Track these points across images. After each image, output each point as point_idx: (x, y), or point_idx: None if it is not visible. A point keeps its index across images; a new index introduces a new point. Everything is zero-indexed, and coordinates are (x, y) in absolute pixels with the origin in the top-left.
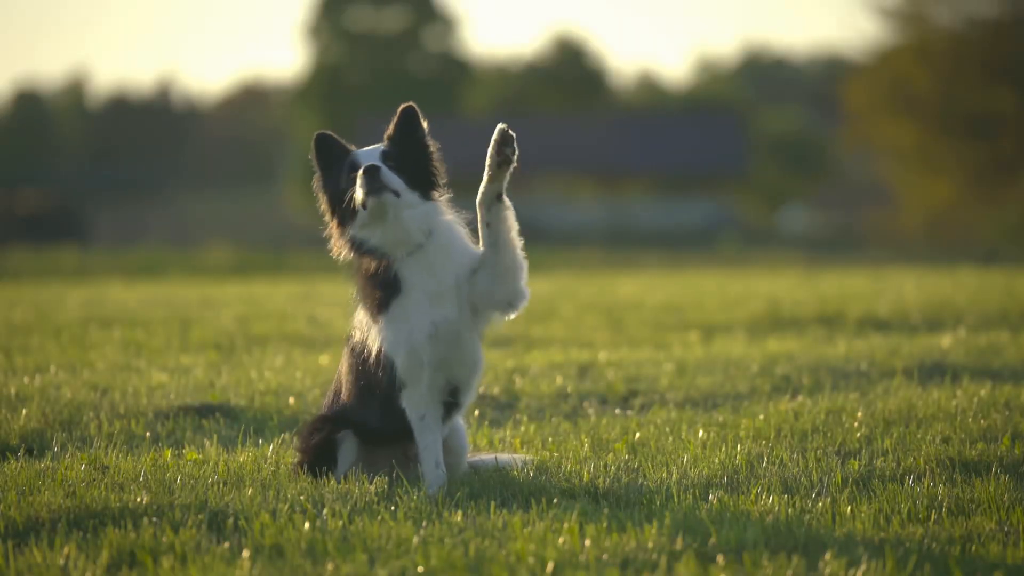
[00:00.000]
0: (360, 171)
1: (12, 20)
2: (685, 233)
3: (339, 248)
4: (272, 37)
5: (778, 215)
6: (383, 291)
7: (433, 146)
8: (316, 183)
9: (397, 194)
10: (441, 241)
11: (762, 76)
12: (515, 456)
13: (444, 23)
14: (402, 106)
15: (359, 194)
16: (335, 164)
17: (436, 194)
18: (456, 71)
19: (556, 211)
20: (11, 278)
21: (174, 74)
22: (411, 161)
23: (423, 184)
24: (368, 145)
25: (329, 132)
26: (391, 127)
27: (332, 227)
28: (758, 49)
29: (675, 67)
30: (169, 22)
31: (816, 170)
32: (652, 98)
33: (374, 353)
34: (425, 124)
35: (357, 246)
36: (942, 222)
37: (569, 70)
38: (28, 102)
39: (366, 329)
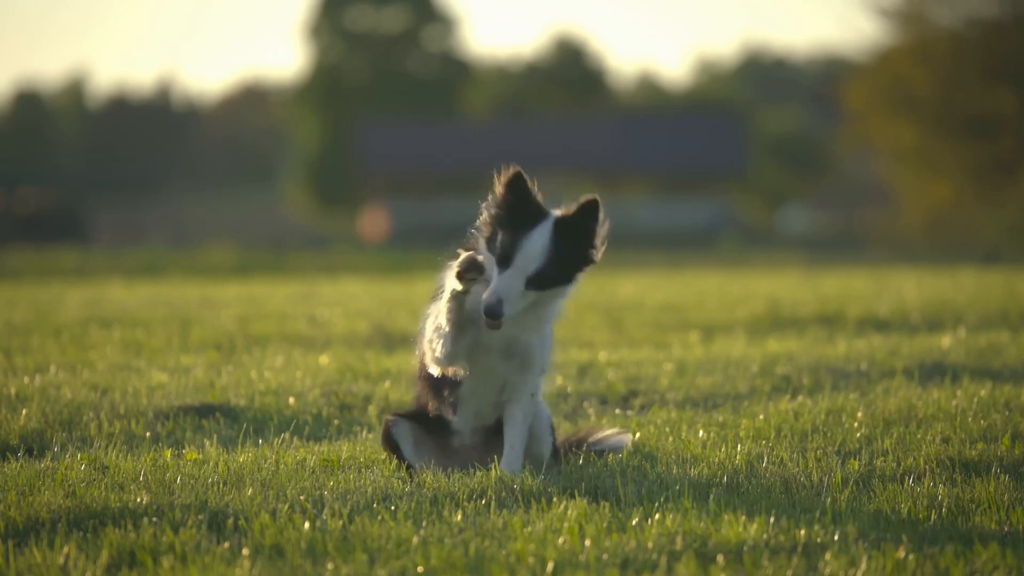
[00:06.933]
0: (483, 305)
1: (12, 20)
2: (685, 233)
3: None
4: (272, 37)
5: (778, 215)
6: None
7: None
8: (492, 214)
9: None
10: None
11: (762, 76)
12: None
13: (444, 23)
14: (589, 199)
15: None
16: (511, 219)
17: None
18: (456, 71)
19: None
20: (11, 278)
21: (174, 74)
22: (565, 267)
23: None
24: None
25: (524, 177)
26: (572, 211)
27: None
28: (758, 49)
29: (675, 67)
30: (169, 22)
31: (816, 170)
32: (652, 98)
33: None
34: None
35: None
36: (942, 222)
37: (569, 70)
38: (28, 102)
39: None
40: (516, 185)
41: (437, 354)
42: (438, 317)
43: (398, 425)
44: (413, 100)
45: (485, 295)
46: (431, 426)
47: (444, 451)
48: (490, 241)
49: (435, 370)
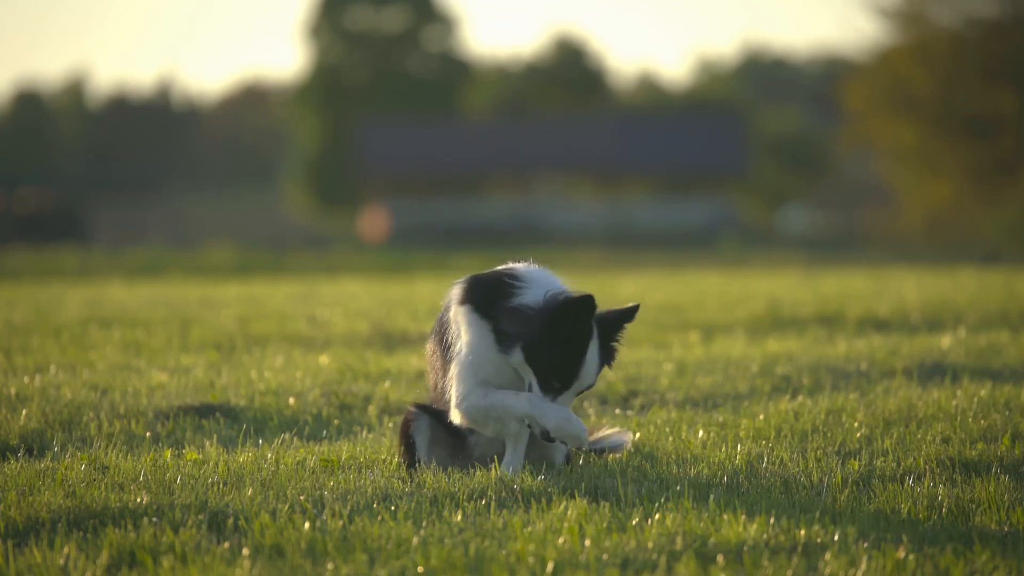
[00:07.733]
0: (541, 428)
1: (12, 20)
2: (685, 233)
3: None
4: (272, 37)
5: (778, 215)
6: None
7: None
8: (545, 333)
9: None
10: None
11: (762, 76)
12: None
13: (444, 23)
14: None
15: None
16: (568, 340)
17: None
18: (456, 71)
19: (556, 211)
20: (11, 278)
21: (174, 74)
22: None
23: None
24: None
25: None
26: (615, 327)
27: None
28: (758, 49)
29: (675, 67)
30: (169, 22)
31: (816, 170)
32: (652, 98)
33: None
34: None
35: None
36: (942, 222)
37: (569, 70)
38: (28, 102)
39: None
40: (588, 313)
41: (470, 423)
42: (492, 405)
43: (419, 420)
44: (413, 100)
45: (554, 427)
46: (450, 424)
47: (458, 451)
48: (532, 349)
49: (457, 418)
